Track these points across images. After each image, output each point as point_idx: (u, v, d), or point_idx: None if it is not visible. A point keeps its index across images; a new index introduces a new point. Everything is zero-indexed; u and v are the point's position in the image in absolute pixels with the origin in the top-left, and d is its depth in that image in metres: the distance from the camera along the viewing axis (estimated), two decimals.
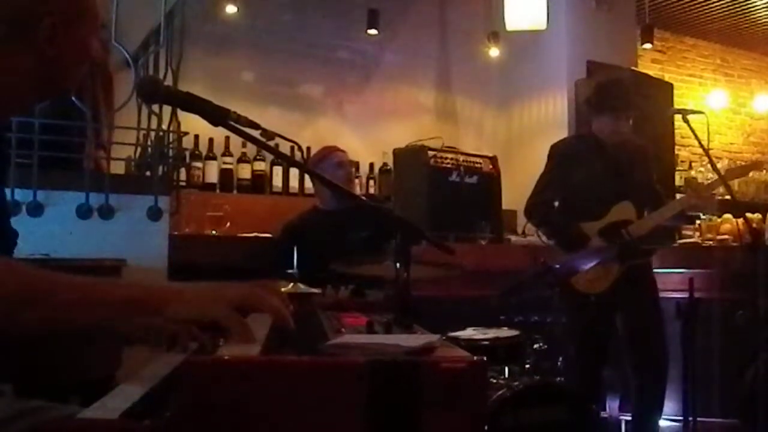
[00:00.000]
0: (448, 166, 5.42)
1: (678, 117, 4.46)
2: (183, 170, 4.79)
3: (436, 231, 4.77)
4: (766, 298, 4.01)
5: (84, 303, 1.32)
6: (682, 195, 4.46)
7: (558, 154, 4.45)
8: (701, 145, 4.00)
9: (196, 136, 5.22)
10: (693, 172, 7.56)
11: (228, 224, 4.83)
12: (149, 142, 4.03)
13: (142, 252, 3.59)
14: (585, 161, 4.28)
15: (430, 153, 5.35)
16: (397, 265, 1.80)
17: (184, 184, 4.75)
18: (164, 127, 3.89)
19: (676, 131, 6.56)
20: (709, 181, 4.50)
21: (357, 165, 5.97)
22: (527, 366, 3.55)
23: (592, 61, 6.33)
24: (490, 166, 5.67)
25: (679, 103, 7.48)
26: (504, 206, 5.72)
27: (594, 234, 4.16)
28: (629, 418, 4.49)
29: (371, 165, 6.14)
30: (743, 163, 4.48)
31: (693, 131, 4.00)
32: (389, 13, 6.28)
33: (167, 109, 3.88)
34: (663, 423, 4.39)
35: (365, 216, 4.00)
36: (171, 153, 4.02)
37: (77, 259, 3.28)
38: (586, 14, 6.49)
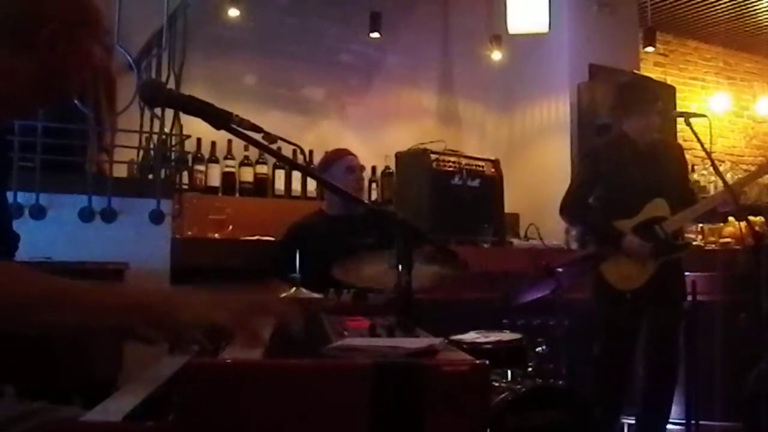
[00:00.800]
0: (451, 169, 5.41)
1: (680, 120, 4.47)
2: (185, 173, 4.79)
3: (439, 234, 4.77)
4: None
5: (93, 307, 1.34)
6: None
7: (591, 154, 4.52)
8: (704, 148, 4.00)
9: (199, 140, 5.23)
10: (695, 175, 7.53)
11: (230, 227, 4.83)
12: (152, 146, 4.03)
13: (144, 255, 3.59)
14: (618, 160, 4.30)
15: (433, 156, 5.35)
16: (399, 267, 1.80)
17: (186, 187, 4.75)
18: (167, 130, 3.89)
19: (678, 134, 6.54)
20: (741, 177, 4.50)
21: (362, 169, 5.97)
22: (530, 369, 3.55)
23: (594, 64, 6.33)
24: (493, 170, 5.66)
25: (681, 106, 7.48)
26: (506, 209, 5.71)
27: (628, 231, 4.18)
28: (632, 422, 4.49)
29: (373, 168, 6.13)
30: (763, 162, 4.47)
31: (695, 134, 4.00)
32: (391, 17, 6.28)
33: (170, 113, 3.88)
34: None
35: (371, 223, 4.00)
36: (173, 156, 4.03)
37: (80, 262, 3.28)
38: (588, 17, 6.49)
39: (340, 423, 1.13)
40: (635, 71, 6.68)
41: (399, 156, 5.61)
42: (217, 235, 4.74)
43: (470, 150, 6.00)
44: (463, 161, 5.51)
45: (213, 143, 5.34)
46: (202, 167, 5.36)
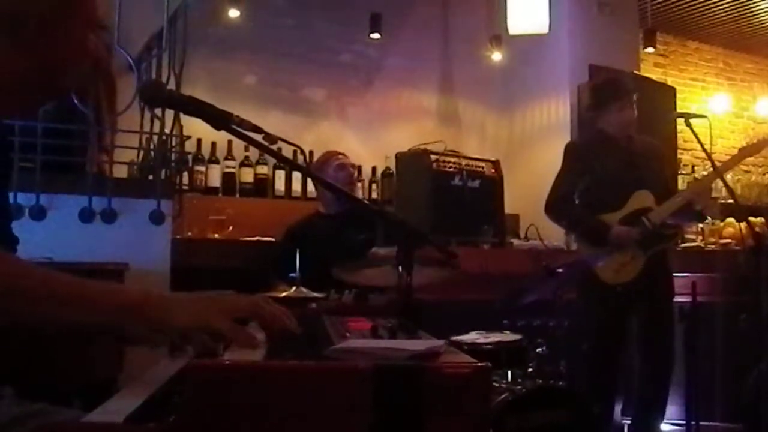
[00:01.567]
0: (451, 170, 5.41)
1: (680, 121, 4.49)
2: (185, 174, 4.78)
3: (439, 235, 4.77)
4: None
5: (85, 303, 1.33)
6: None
7: (572, 150, 4.53)
8: (704, 149, 4.00)
9: (199, 140, 5.23)
10: (696, 176, 7.54)
11: (230, 228, 4.83)
12: (152, 146, 4.03)
13: (144, 256, 3.58)
14: (599, 156, 4.34)
15: (433, 157, 5.35)
16: (400, 269, 1.80)
17: (186, 187, 4.75)
18: (167, 130, 3.89)
19: (678, 135, 6.56)
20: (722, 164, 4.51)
21: (359, 169, 5.97)
22: (530, 370, 3.55)
23: (594, 65, 6.33)
24: (493, 170, 5.66)
25: (681, 107, 7.48)
26: (506, 210, 5.72)
27: (615, 224, 4.18)
28: (630, 421, 4.49)
29: (374, 169, 6.14)
30: (759, 139, 4.45)
31: (695, 135, 4.00)
32: (391, 17, 6.28)
33: (170, 113, 3.88)
34: (665, 427, 4.38)
35: (366, 219, 4.01)
36: (173, 157, 4.02)
37: (80, 263, 3.27)
38: (589, 18, 6.49)
39: (341, 425, 1.13)
40: (635, 72, 6.68)
41: (399, 156, 5.61)
42: (217, 236, 4.74)
43: (470, 151, 6.00)
44: (463, 162, 5.52)
45: (213, 144, 5.34)
46: (202, 168, 5.36)
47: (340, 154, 4.53)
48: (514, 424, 3.19)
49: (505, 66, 6.71)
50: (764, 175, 7.73)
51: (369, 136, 6.31)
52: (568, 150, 4.52)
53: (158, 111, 3.86)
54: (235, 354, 1.30)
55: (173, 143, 3.97)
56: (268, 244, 4.61)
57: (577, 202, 4.38)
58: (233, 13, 5.59)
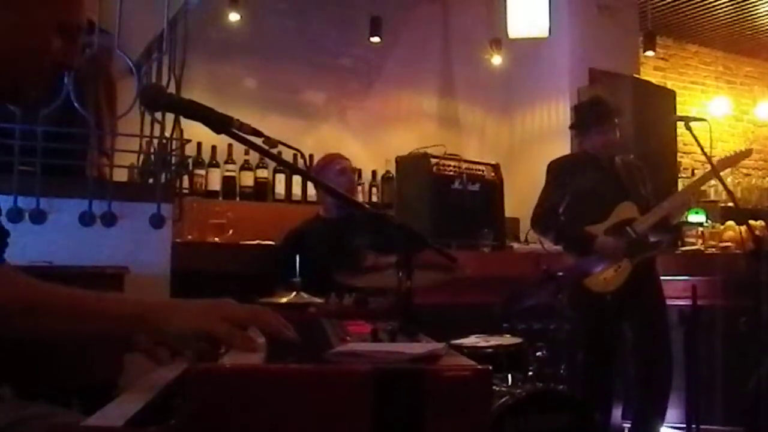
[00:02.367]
0: (451, 173, 5.42)
1: (680, 124, 4.52)
2: (186, 178, 4.78)
3: (439, 238, 4.77)
4: None
5: (84, 315, 1.35)
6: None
7: (555, 168, 4.60)
8: (704, 153, 4.01)
9: (199, 144, 5.23)
10: (696, 179, 7.55)
11: (230, 232, 4.83)
12: (152, 150, 4.03)
13: (144, 259, 3.58)
14: (581, 172, 4.43)
15: (433, 160, 5.35)
16: (400, 273, 1.80)
17: (186, 191, 4.74)
18: (167, 134, 3.88)
19: (678, 138, 6.55)
20: (698, 177, 4.59)
21: (359, 172, 5.98)
22: (530, 373, 3.55)
23: (594, 68, 6.34)
24: (493, 174, 5.67)
25: (681, 110, 7.48)
26: (506, 214, 5.72)
27: (600, 235, 4.24)
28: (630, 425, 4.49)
29: (374, 172, 6.14)
30: (735, 152, 4.50)
31: (695, 138, 4.01)
32: (392, 21, 6.28)
33: (170, 117, 3.87)
34: (666, 430, 4.38)
35: (367, 223, 4.01)
36: (174, 160, 4.02)
37: (80, 266, 3.27)
38: (589, 22, 6.50)
39: (341, 428, 1.13)
40: (635, 75, 6.69)
41: (399, 160, 5.62)
42: (217, 240, 4.74)
43: (470, 154, 6.00)
44: (464, 165, 5.52)
45: (213, 147, 5.35)
46: (202, 171, 5.37)
47: (342, 158, 4.52)
48: (514, 427, 3.19)
49: (505, 69, 6.72)
50: (764, 178, 7.74)
51: (369, 140, 6.32)
52: (551, 168, 4.60)
53: (158, 115, 3.86)
54: (236, 358, 1.30)
55: (173, 147, 3.96)
56: (268, 248, 4.60)
57: (562, 217, 4.42)
58: (233, 16, 5.60)
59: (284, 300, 2.29)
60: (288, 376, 1.16)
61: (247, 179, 5.55)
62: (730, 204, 4.92)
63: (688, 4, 7.79)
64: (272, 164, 5.49)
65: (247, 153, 5.44)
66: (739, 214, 4.88)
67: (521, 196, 5.85)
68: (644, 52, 6.96)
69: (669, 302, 4.43)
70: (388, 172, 6.06)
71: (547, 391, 3.43)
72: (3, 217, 1.73)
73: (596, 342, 4.28)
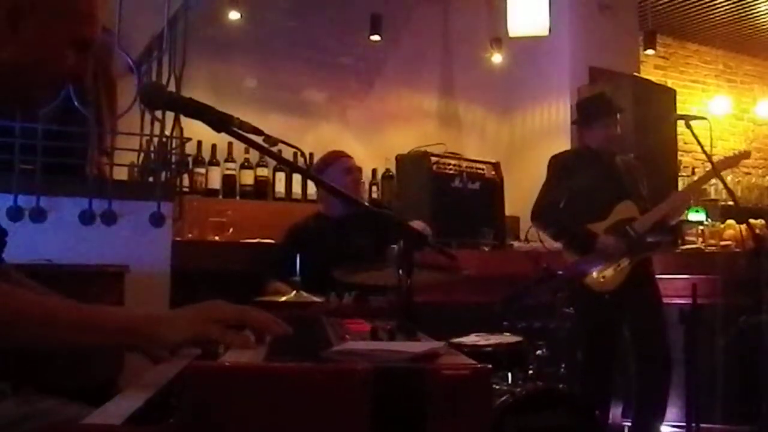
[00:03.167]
0: (451, 172, 5.42)
1: (681, 123, 4.52)
2: (186, 176, 4.78)
3: (439, 237, 4.77)
4: None
5: (78, 329, 1.36)
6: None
7: (557, 163, 4.61)
8: (704, 151, 4.00)
9: (199, 142, 5.23)
10: (696, 178, 7.54)
11: (231, 230, 4.83)
12: (152, 148, 4.03)
13: (144, 258, 3.58)
14: (583, 168, 4.42)
15: (433, 159, 5.36)
16: (400, 271, 1.80)
17: (186, 190, 4.75)
18: (167, 133, 3.88)
19: (678, 137, 6.55)
20: (697, 178, 4.60)
21: (360, 171, 5.97)
22: (530, 372, 3.55)
23: (594, 67, 6.33)
24: (493, 172, 5.67)
25: (681, 109, 7.47)
26: (507, 212, 5.72)
27: (600, 233, 4.24)
28: (630, 424, 4.49)
29: (374, 171, 6.14)
30: (733, 153, 4.52)
31: (696, 137, 4.01)
32: (392, 19, 6.28)
33: (170, 115, 3.87)
34: (665, 429, 4.38)
35: (369, 223, 4.00)
36: (174, 159, 4.02)
37: (80, 265, 3.27)
38: (589, 20, 6.50)
39: (340, 427, 1.13)
40: (635, 74, 6.68)
41: (399, 159, 5.62)
42: (217, 238, 4.73)
43: (470, 153, 6.00)
44: (464, 164, 5.52)
45: (213, 146, 5.35)
46: (202, 170, 5.37)
47: (346, 155, 4.45)
48: (514, 426, 3.18)
49: (505, 68, 6.72)
50: (764, 177, 7.73)
51: (369, 138, 6.32)
52: (552, 163, 4.61)
53: (158, 113, 3.86)
54: (235, 356, 1.30)
55: (173, 145, 3.96)
56: (268, 246, 4.60)
57: (565, 211, 4.43)
58: (233, 15, 5.60)
59: (283, 298, 2.29)
60: (287, 375, 1.16)
61: (248, 178, 5.55)
62: (731, 202, 4.92)
63: (688, 2, 7.79)
64: (272, 163, 5.49)
65: (247, 151, 5.45)
66: (740, 212, 4.87)
67: (521, 195, 5.85)
68: (644, 50, 6.97)
69: (669, 301, 4.43)
70: (388, 170, 6.06)
71: (547, 390, 3.42)
72: (3, 217, 1.73)
73: (595, 340, 4.29)
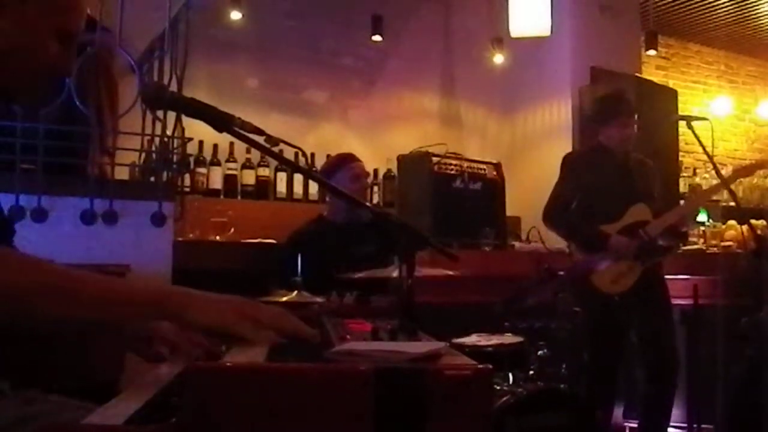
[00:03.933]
0: (452, 172, 5.42)
1: (682, 123, 4.51)
2: (187, 176, 4.78)
3: (440, 237, 4.77)
4: None
5: (107, 300, 1.34)
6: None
7: (570, 162, 4.59)
8: (705, 152, 4.00)
9: (201, 142, 5.23)
10: (697, 179, 7.55)
11: (232, 230, 4.83)
12: (153, 148, 4.03)
13: (145, 258, 3.58)
14: (597, 168, 4.40)
15: (434, 159, 5.35)
16: (401, 269, 1.80)
17: (188, 190, 4.75)
18: (168, 132, 3.88)
19: (680, 138, 6.55)
20: (713, 185, 4.59)
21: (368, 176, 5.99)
22: (531, 372, 3.55)
23: (595, 67, 6.33)
24: (494, 173, 5.66)
25: (683, 109, 7.48)
26: (508, 213, 5.72)
27: (614, 234, 4.24)
28: (634, 425, 4.49)
29: (375, 171, 6.13)
30: (750, 162, 4.52)
31: (697, 138, 4.00)
32: (393, 20, 6.28)
33: (171, 115, 3.87)
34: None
35: (372, 230, 4.00)
36: (175, 159, 4.02)
37: (81, 264, 3.26)
38: (590, 21, 6.49)
39: (341, 428, 1.13)
40: (637, 74, 6.68)
41: (401, 159, 5.61)
42: (218, 238, 4.73)
43: (472, 153, 6.00)
44: (465, 164, 5.52)
45: (215, 146, 5.34)
46: (203, 170, 5.37)
47: (355, 160, 4.41)
48: (515, 426, 3.19)
49: (506, 68, 6.71)
50: (766, 178, 7.73)
51: (370, 139, 6.32)
52: (566, 161, 4.58)
53: (160, 113, 3.86)
54: (236, 356, 1.30)
55: (175, 145, 3.96)
56: (269, 247, 4.60)
57: (577, 211, 4.42)
58: (235, 15, 5.60)
59: (284, 299, 2.29)
60: (288, 375, 1.16)
61: (249, 178, 5.55)
62: (732, 203, 4.91)
63: (689, 3, 7.78)
64: (274, 163, 5.49)
65: (248, 151, 5.45)
66: (741, 213, 4.87)
67: (523, 195, 5.86)
68: (646, 51, 6.96)
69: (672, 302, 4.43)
70: (389, 170, 6.06)
71: (548, 390, 3.42)
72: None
73: (601, 341, 4.28)
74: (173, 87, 3.85)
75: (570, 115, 6.33)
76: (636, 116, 4.48)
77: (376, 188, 6.11)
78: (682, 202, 5.27)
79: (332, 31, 6.28)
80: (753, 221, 4.52)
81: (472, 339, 3.60)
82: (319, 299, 2.35)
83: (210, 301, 1.38)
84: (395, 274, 1.83)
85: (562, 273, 3.82)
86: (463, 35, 6.86)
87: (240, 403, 1.11)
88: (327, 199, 4.67)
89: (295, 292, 2.28)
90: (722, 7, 7.85)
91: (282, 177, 5.64)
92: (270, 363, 1.24)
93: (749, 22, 8.18)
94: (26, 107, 3.24)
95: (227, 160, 5.47)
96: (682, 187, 6.94)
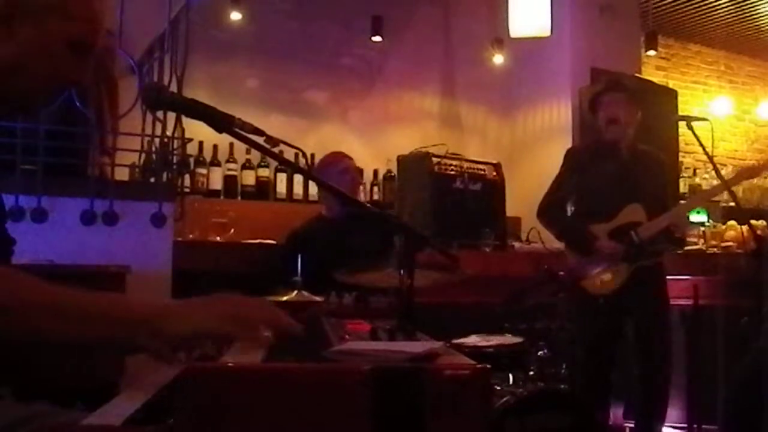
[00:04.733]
0: (452, 172, 5.42)
1: (682, 124, 4.49)
2: (187, 177, 4.78)
3: (440, 238, 4.77)
4: None
5: (89, 317, 1.32)
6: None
7: (571, 157, 4.55)
8: (705, 152, 4.00)
9: (201, 143, 5.23)
10: (697, 179, 7.54)
11: (232, 231, 4.83)
12: (153, 149, 4.03)
13: (146, 258, 3.58)
14: (598, 164, 4.34)
15: (434, 160, 5.35)
16: (401, 271, 1.80)
17: (188, 190, 4.75)
18: (168, 133, 3.89)
19: (680, 138, 6.55)
20: (713, 186, 4.54)
21: (361, 172, 5.98)
22: (531, 373, 3.54)
23: (595, 68, 6.33)
24: (494, 173, 5.66)
25: (683, 110, 7.47)
26: (508, 213, 5.71)
27: (604, 235, 4.19)
28: (633, 425, 4.49)
29: (375, 172, 6.14)
30: (755, 163, 4.49)
31: (697, 138, 4.00)
32: (393, 20, 6.29)
33: (172, 116, 3.88)
34: (667, 430, 4.38)
35: (369, 224, 4.01)
36: (175, 159, 4.03)
37: (81, 265, 3.28)
38: (590, 21, 6.49)
39: (340, 428, 1.13)
40: (637, 75, 6.68)
41: (400, 159, 5.62)
42: (219, 239, 4.74)
43: (472, 153, 6.00)
44: (465, 165, 5.52)
45: (215, 146, 5.35)
46: (204, 170, 5.37)
47: (344, 156, 4.49)
48: (515, 427, 3.18)
49: (506, 69, 6.72)
50: (766, 178, 7.72)
51: (370, 139, 6.32)
52: (567, 155, 4.55)
53: (160, 114, 3.86)
54: (234, 356, 1.30)
55: (175, 146, 3.97)
56: (269, 247, 4.60)
57: (573, 208, 4.40)
58: (235, 16, 5.61)
59: (284, 298, 2.29)
60: (287, 375, 1.16)
61: (249, 178, 5.56)
62: (732, 204, 4.91)
63: (689, 3, 7.78)
64: (274, 163, 5.50)
65: (248, 152, 5.45)
66: (741, 213, 4.86)
67: (523, 196, 5.86)
68: (646, 51, 6.96)
69: (670, 302, 4.41)
70: (389, 171, 6.06)
71: (548, 391, 3.42)
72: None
73: (591, 343, 4.25)
74: (173, 88, 3.86)
75: (570, 115, 6.33)
76: (640, 112, 4.39)
77: (376, 188, 6.12)
78: (682, 202, 5.22)
79: (332, 31, 6.28)
80: (753, 222, 4.51)
81: (472, 340, 3.59)
82: (317, 299, 2.35)
83: (188, 308, 1.36)
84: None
85: (562, 273, 3.82)
86: (462, 36, 6.86)
87: (239, 403, 1.12)
88: (318, 197, 4.67)
89: (295, 291, 2.28)
90: (722, 8, 7.85)
91: (282, 178, 5.65)
92: (268, 363, 1.24)
93: (749, 22, 8.18)
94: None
95: (227, 161, 5.48)
96: (683, 187, 6.93)
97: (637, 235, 4.17)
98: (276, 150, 1.81)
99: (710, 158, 4.04)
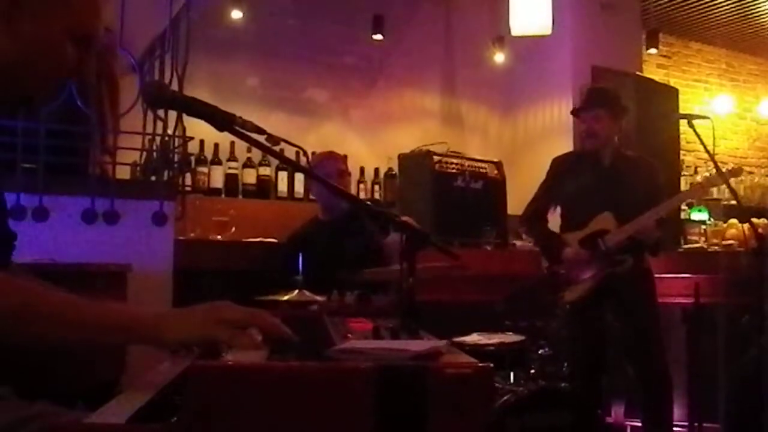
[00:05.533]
0: (453, 171, 5.42)
1: (683, 122, 4.48)
2: (188, 175, 4.79)
3: (441, 236, 4.77)
4: None
5: (80, 325, 1.34)
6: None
7: (555, 165, 4.55)
8: (706, 150, 4.00)
9: (202, 141, 5.23)
10: (698, 177, 7.52)
11: (233, 229, 4.83)
12: (154, 147, 4.04)
13: (147, 257, 3.59)
14: (578, 173, 4.34)
15: (436, 158, 5.36)
16: (402, 270, 1.80)
17: (189, 189, 4.75)
18: (169, 132, 3.89)
19: (681, 136, 6.55)
20: (673, 198, 4.50)
21: (362, 170, 6.00)
22: (532, 371, 3.54)
23: (596, 66, 6.32)
24: (495, 172, 5.67)
25: (684, 108, 7.46)
26: (509, 211, 5.71)
27: (574, 243, 4.18)
28: (635, 424, 4.48)
29: (376, 170, 6.14)
30: (732, 167, 4.49)
31: (698, 136, 4.00)
32: (394, 19, 6.28)
33: (172, 114, 3.88)
34: None
35: (362, 224, 4.02)
36: (176, 158, 4.03)
37: (82, 264, 3.28)
38: (591, 19, 6.49)
39: (343, 426, 1.13)
40: (638, 73, 6.68)
41: (402, 158, 5.62)
42: (219, 237, 4.74)
43: (473, 152, 6.00)
44: (466, 163, 5.52)
45: (216, 145, 5.35)
46: (204, 169, 5.37)
47: (334, 157, 4.53)
48: (516, 425, 3.18)
49: (507, 67, 6.72)
50: (767, 176, 7.73)
51: (372, 138, 6.32)
52: (552, 164, 4.56)
53: (161, 112, 3.86)
54: (238, 355, 1.30)
55: (176, 144, 3.97)
56: (270, 246, 4.60)
57: (549, 218, 4.44)
58: (236, 14, 5.60)
59: (286, 298, 2.29)
60: (290, 374, 1.16)
61: (250, 177, 5.56)
62: (733, 202, 4.91)
63: (690, 1, 7.77)
64: (275, 162, 5.49)
65: (249, 150, 5.45)
66: (742, 212, 4.87)
67: (524, 194, 5.83)
68: (647, 49, 6.95)
69: (671, 300, 4.40)
70: (390, 169, 6.06)
71: (549, 389, 3.42)
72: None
73: (576, 346, 4.21)
74: (174, 86, 3.86)
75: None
76: (605, 108, 4.29)
77: (377, 187, 6.12)
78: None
79: (333, 30, 6.28)
80: (754, 220, 4.50)
81: (473, 338, 3.59)
82: (319, 298, 2.35)
83: (180, 316, 1.38)
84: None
85: (563, 272, 3.82)
86: (464, 34, 6.86)
87: (242, 401, 1.12)
88: (317, 201, 4.65)
89: (296, 291, 2.28)
90: (723, 6, 7.84)
91: (283, 176, 5.65)
92: (271, 362, 1.24)
93: (750, 20, 8.17)
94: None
95: (228, 159, 5.48)
96: (683, 185, 6.92)
97: (604, 243, 4.14)
98: (277, 148, 1.81)
99: (711, 156, 4.04)
